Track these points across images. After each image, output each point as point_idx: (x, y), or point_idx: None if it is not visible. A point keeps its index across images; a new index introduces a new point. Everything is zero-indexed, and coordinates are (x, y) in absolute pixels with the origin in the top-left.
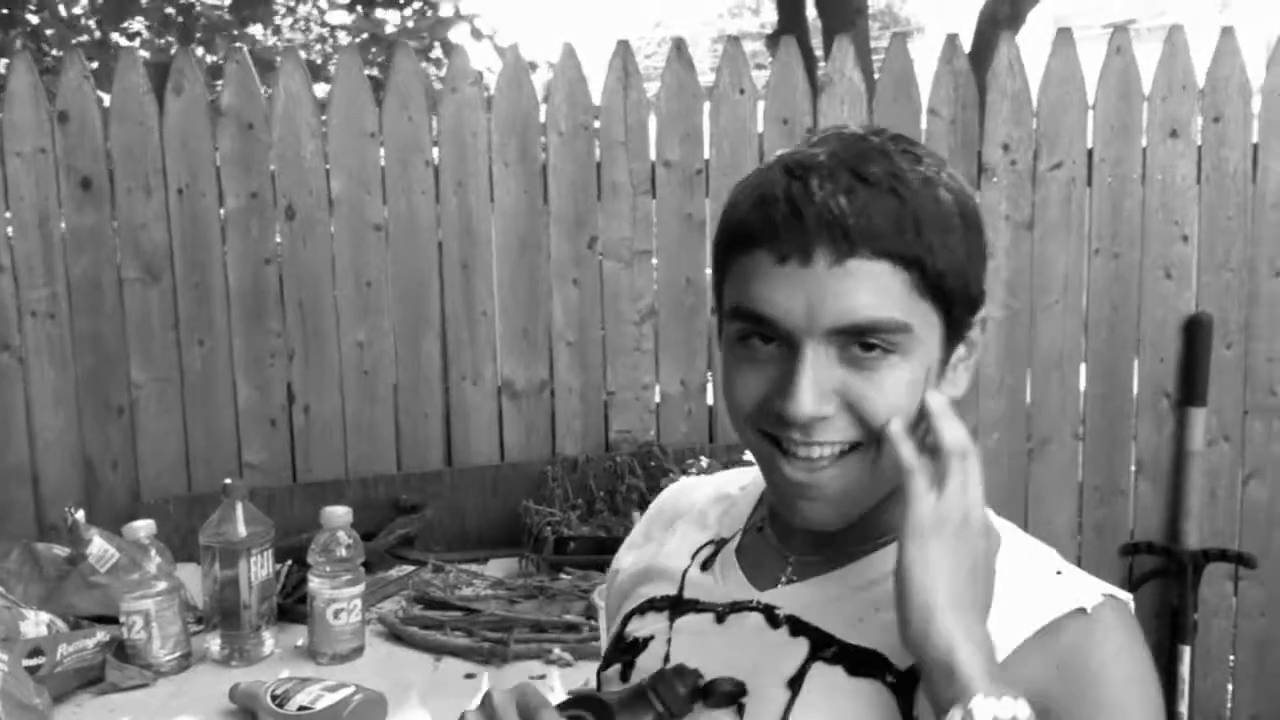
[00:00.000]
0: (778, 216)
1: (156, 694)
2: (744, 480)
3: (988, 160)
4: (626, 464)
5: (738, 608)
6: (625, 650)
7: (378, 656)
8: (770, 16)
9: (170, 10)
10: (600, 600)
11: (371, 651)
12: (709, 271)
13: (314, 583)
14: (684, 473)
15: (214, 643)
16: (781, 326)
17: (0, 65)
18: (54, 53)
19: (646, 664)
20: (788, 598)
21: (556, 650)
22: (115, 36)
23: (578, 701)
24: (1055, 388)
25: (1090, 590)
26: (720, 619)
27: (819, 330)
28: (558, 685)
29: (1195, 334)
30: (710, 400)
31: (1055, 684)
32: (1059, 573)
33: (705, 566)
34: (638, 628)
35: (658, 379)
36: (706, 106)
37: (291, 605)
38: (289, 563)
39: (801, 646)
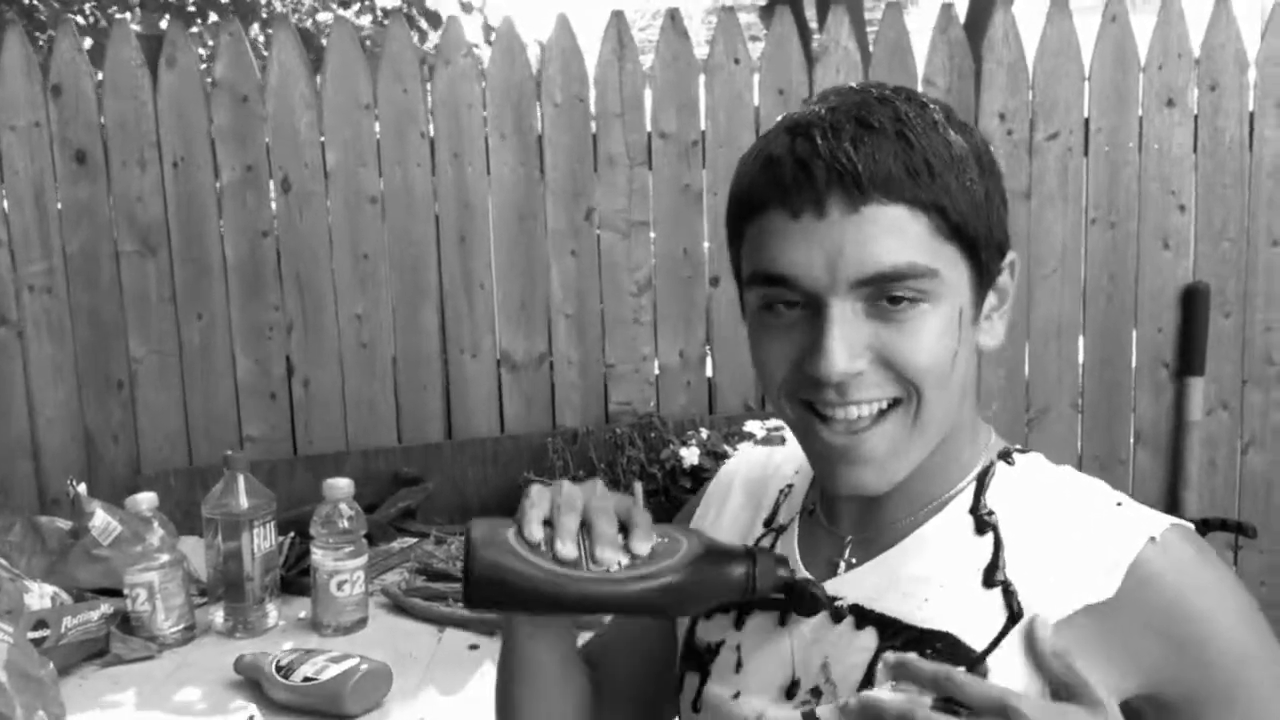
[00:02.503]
0: (785, 174)
1: (161, 666)
2: (797, 461)
3: (984, 130)
4: (626, 435)
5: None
6: (695, 657)
7: (381, 628)
8: None
9: None
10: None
11: (375, 623)
12: (706, 244)
13: (317, 555)
14: (684, 444)
15: (218, 615)
16: (803, 284)
17: None
18: (48, 34)
19: (721, 673)
20: (849, 585)
21: None
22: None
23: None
24: (1053, 358)
25: (1155, 519)
26: (782, 620)
27: (843, 284)
28: None
29: (1193, 303)
30: (710, 372)
31: (1147, 613)
32: (1119, 505)
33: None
34: (705, 632)
35: (656, 351)
36: (702, 78)
37: (294, 577)
38: (291, 535)
39: (869, 638)
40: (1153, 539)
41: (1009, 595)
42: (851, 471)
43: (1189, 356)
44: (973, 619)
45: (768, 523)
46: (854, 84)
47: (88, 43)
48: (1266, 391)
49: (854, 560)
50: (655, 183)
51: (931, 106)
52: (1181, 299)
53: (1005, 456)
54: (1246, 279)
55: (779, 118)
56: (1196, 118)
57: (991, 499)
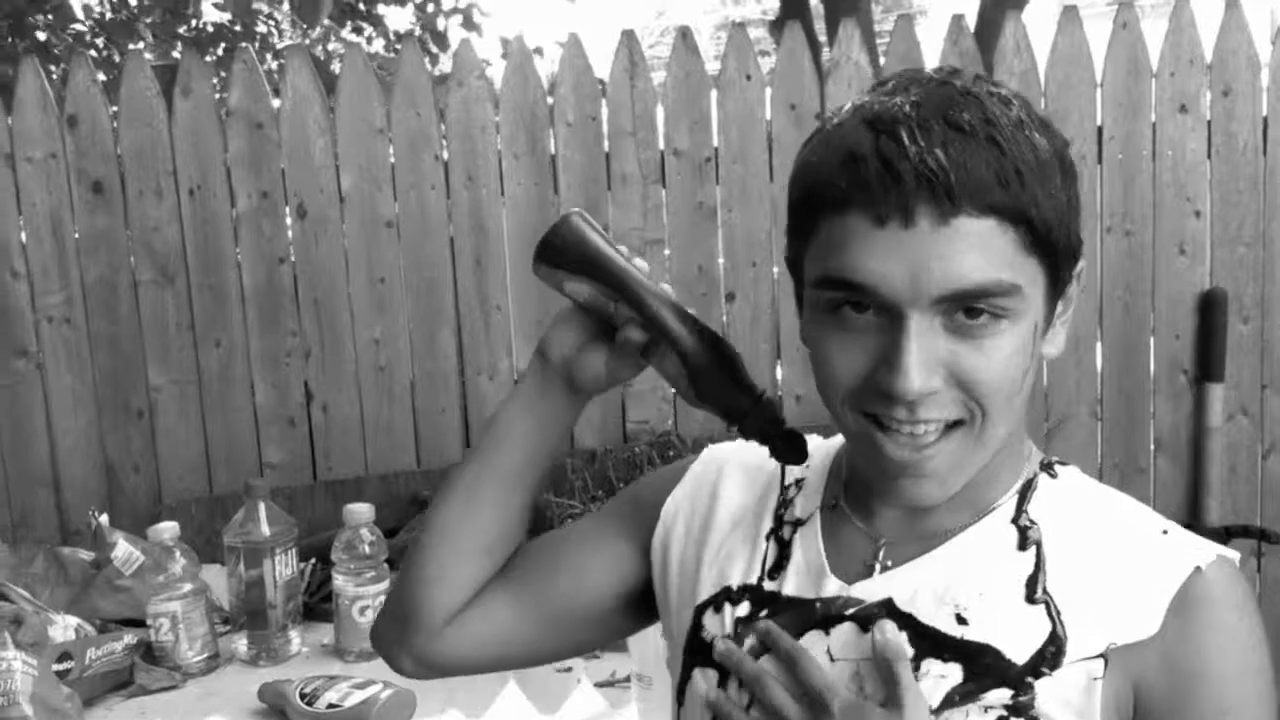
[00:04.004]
0: (870, 176)
1: (186, 695)
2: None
3: None
4: (645, 454)
5: (829, 605)
6: (706, 652)
7: None
8: (772, 3)
9: (182, 29)
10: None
11: None
12: (721, 260)
13: (338, 580)
14: None
15: (241, 643)
16: (882, 295)
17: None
18: (62, 67)
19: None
20: (881, 589)
21: None
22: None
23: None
24: (1072, 367)
25: (1201, 548)
26: (802, 631)
27: (925, 298)
28: (584, 678)
29: (1211, 309)
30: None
31: (1179, 644)
32: (1165, 532)
33: (783, 552)
34: (717, 628)
35: None
36: (714, 94)
37: (317, 604)
38: (313, 561)
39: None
40: (1199, 568)
41: (1051, 613)
42: (914, 485)
43: (1208, 363)
44: (1013, 633)
45: (778, 516)
46: (932, 72)
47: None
48: None
49: (889, 562)
50: (669, 200)
51: (1014, 101)
52: (1199, 305)
53: (1048, 468)
54: (1264, 284)
55: (852, 104)
56: (1210, 123)
57: (1034, 511)
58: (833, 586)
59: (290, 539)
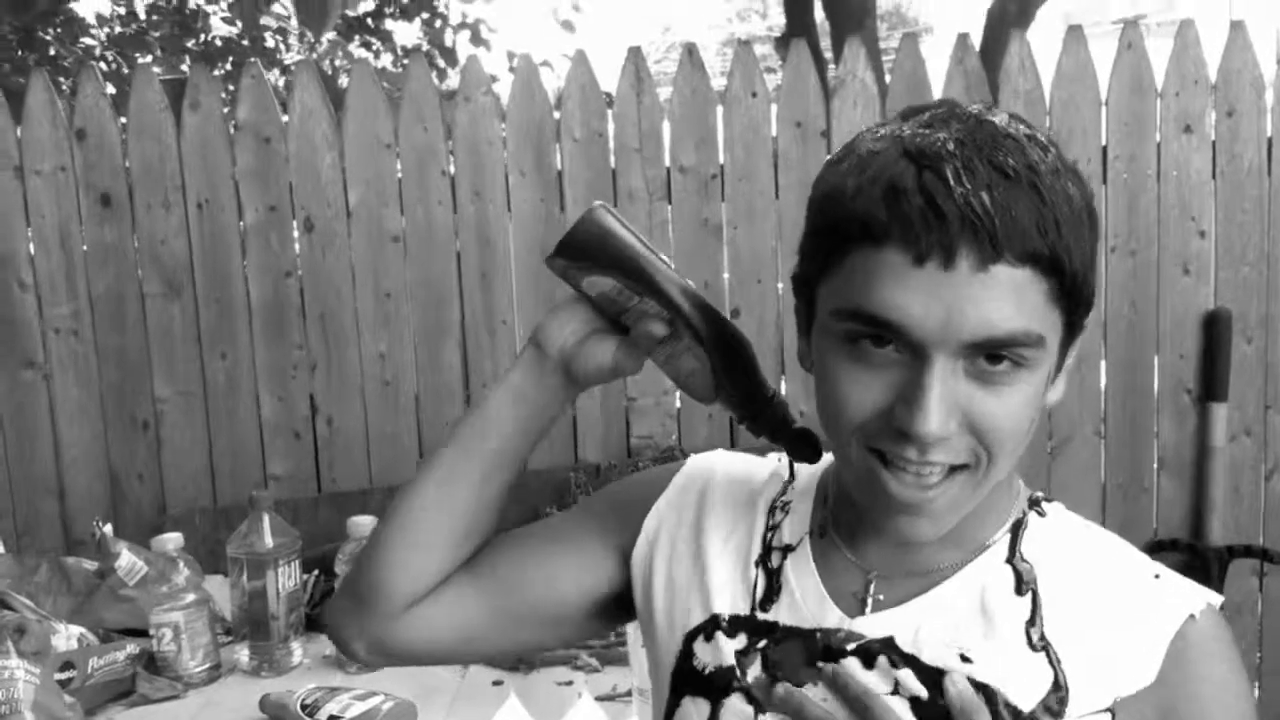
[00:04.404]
0: (913, 212)
1: (187, 705)
2: (772, 467)
3: None
4: (648, 469)
5: (829, 637)
6: (698, 681)
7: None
8: (778, 20)
9: (190, 43)
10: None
11: None
12: (726, 276)
13: None
14: None
15: (243, 653)
16: (913, 335)
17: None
18: (71, 80)
19: (735, 711)
20: (882, 626)
21: (584, 656)
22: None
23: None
24: (1076, 385)
25: (1192, 594)
26: (810, 661)
27: (954, 341)
28: (585, 692)
29: (1215, 329)
30: None
31: (1176, 695)
32: (1157, 576)
33: (773, 580)
34: (709, 656)
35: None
36: (719, 111)
37: (319, 615)
38: (316, 573)
39: (911, 684)
40: (1192, 617)
41: (1052, 659)
42: (911, 523)
43: (1211, 382)
44: (1017, 678)
45: (766, 541)
46: (971, 106)
47: (110, 88)
48: None
49: (881, 598)
50: (675, 217)
51: (1051, 149)
52: (1203, 325)
53: (1035, 505)
54: (1269, 303)
55: (888, 132)
56: (1214, 143)
57: (1027, 551)
58: (833, 618)
59: (294, 550)
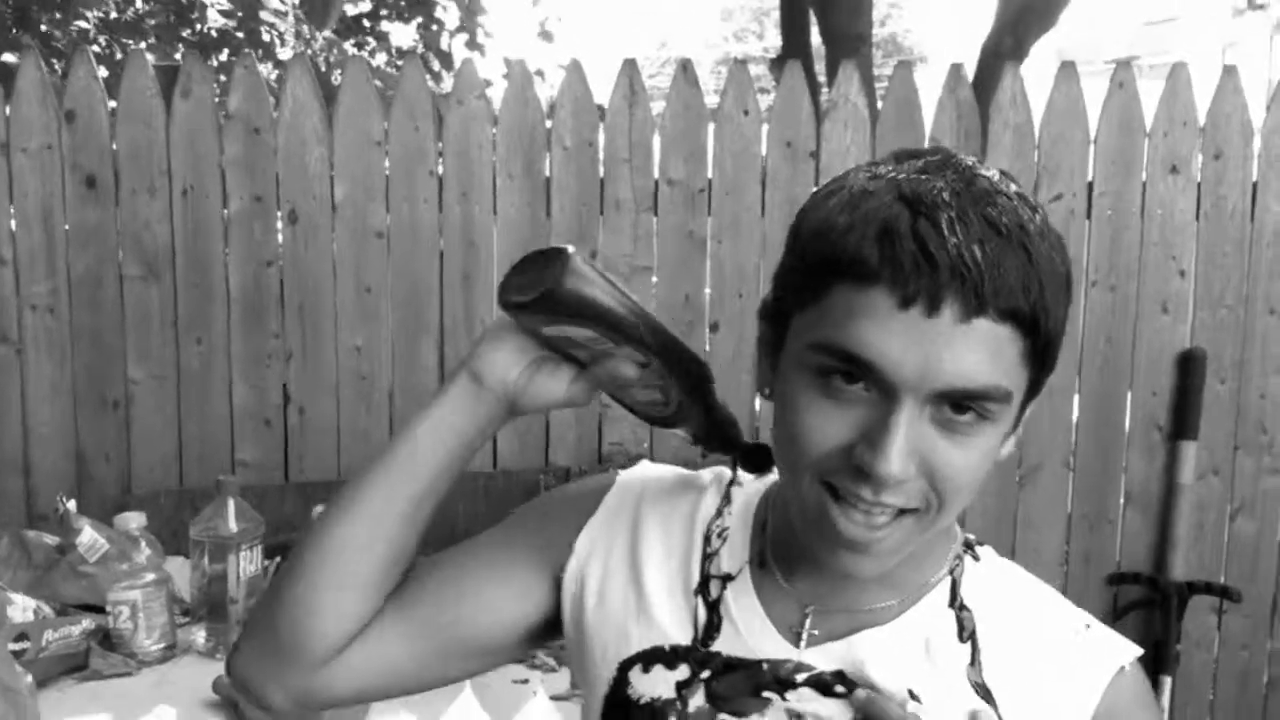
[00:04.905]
0: (904, 256)
1: (140, 683)
2: (718, 496)
3: None
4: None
5: (777, 668)
6: (634, 711)
7: None
8: (774, 41)
9: (186, 33)
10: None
11: None
12: (708, 290)
13: None
14: None
15: (199, 635)
16: (889, 377)
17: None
18: (64, 61)
19: None
20: (831, 659)
21: (540, 655)
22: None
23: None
24: (1048, 416)
25: (1121, 647)
26: (756, 691)
27: (927, 388)
28: (540, 691)
29: (1189, 368)
30: None
31: None
32: (1088, 626)
33: (714, 610)
34: (646, 687)
35: None
36: (711, 127)
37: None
38: (278, 559)
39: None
40: (1123, 668)
41: (993, 705)
42: (854, 560)
43: (1183, 420)
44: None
45: (704, 570)
46: (963, 156)
47: (103, 72)
48: (1258, 459)
49: (816, 632)
50: (660, 229)
51: (1039, 211)
52: (1178, 363)
53: (969, 549)
54: (1244, 346)
55: (878, 172)
56: (1200, 185)
57: (965, 596)
58: (776, 649)
59: (256, 536)
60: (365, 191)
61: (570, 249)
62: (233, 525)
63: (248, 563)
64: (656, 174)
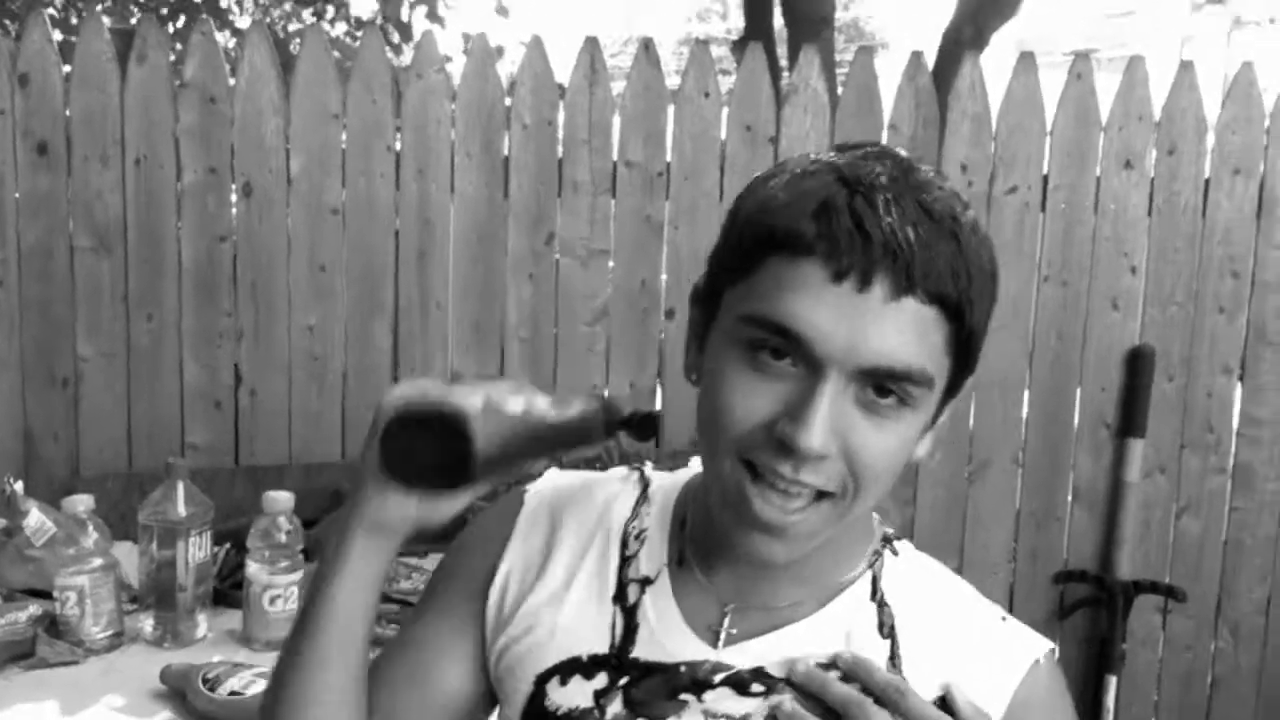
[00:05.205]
0: (840, 230)
1: (87, 671)
2: (631, 499)
3: None
4: (572, 464)
5: (695, 670)
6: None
7: None
8: (737, 22)
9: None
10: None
11: None
12: (664, 276)
13: (252, 568)
14: None
15: (147, 623)
16: (814, 350)
17: None
18: (18, 24)
19: None
20: (750, 656)
21: None
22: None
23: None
24: (998, 412)
25: (1035, 641)
26: (673, 694)
27: (852, 364)
28: None
29: (1138, 366)
30: (659, 405)
31: None
32: (1004, 619)
33: (632, 616)
34: (563, 699)
35: (608, 380)
36: (671, 109)
37: (227, 589)
38: (227, 546)
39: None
40: (1037, 661)
41: None
42: (766, 543)
43: (1130, 418)
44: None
45: (621, 576)
46: (902, 152)
47: (57, 35)
48: (1204, 458)
49: (734, 631)
50: (618, 212)
51: (971, 211)
52: (1127, 360)
53: (888, 543)
54: (1192, 344)
55: (822, 157)
56: (1153, 180)
57: (885, 591)
58: (694, 651)
59: (206, 521)
60: (321, 165)
61: (467, 419)
62: (182, 510)
63: (197, 549)
64: (615, 155)
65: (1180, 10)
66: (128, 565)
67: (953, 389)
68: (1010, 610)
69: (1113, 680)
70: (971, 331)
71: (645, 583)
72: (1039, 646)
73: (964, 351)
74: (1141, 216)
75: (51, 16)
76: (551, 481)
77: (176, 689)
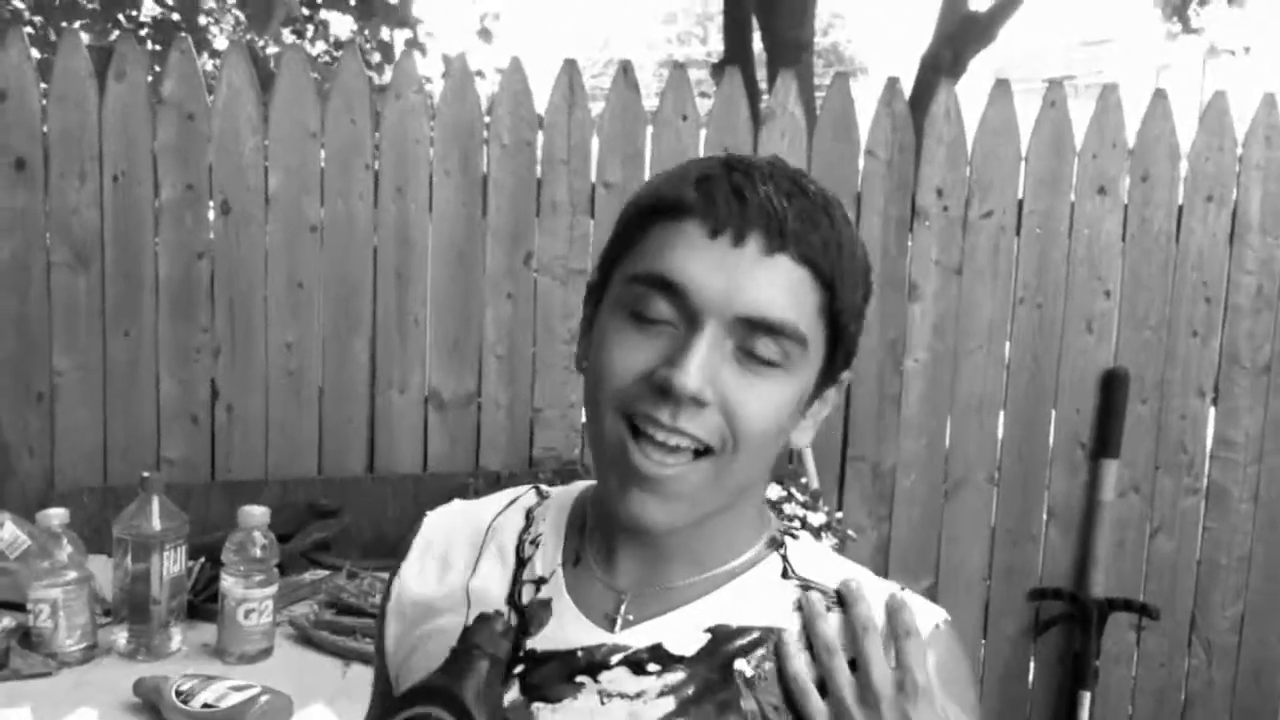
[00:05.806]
0: (719, 195)
1: (59, 684)
2: (505, 503)
3: (921, 204)
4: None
5: (592, 654)
6: None
7: (286, 659)
8: (717, 46)
9: (120, 16)
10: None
11: (280, 654)
12: None
13: (226, 581)
14: None
15: (121, 635)
16: (692, 298)
17: None
18: None
19: None
20: (649, 636)
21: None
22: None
23: (420, 696)
24: (974, 432)
25: (933, 609)
26: (569, 677)
27: (729, 313)
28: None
29: (1112, 388)
30: None
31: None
32: (903, 588)
33: (525, 613)
34: None
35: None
36: (650, 130)
37: (202, 603)
38: (202, 560)
39: (675, 677)
40: (937, 626)
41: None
42: (645, 502)
43: (1105, 439)
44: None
45: (515, 579)
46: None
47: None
48: (1178, 478)
49: (630, 616)
50: (596, 232)
51: (851, 222)
52: (1101, 383)
53: (786, 532)
54: (1165, 367)
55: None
56: (1127, 207)
57: (795, 568)
58: (594, 637)
59: (180, 536)
60: (300, 183)
61: None
62: (156, 524)
63: (171, 563)
64: (594, 176)
65: (1156, 39)
66: (102, 578)
67: (829, 373)
68: (985, 627)
69: (1087, 696)
70: (844, 309)
71: (540, 582)
72: (937, 614)
73: (836, 326)
74: (1115, 241)
75: (30, 33)
76: (447, 509)
77: (149, 701)
